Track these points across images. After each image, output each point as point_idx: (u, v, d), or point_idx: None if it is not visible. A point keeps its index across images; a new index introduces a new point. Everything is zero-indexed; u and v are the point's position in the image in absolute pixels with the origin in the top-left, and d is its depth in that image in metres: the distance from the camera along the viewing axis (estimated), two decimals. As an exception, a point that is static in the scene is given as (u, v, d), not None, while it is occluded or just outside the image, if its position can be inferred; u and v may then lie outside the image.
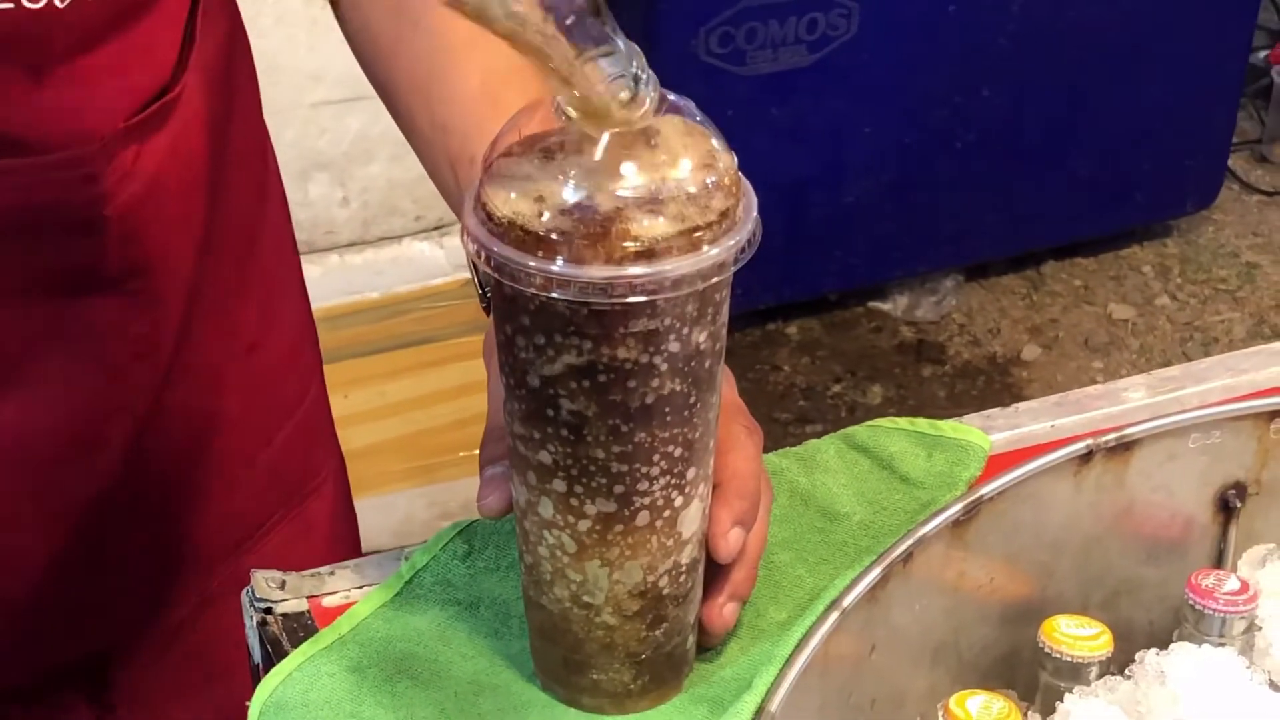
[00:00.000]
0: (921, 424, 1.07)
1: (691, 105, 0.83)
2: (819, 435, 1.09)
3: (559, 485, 0.83)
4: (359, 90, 1.36)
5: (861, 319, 3.17)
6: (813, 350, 3.09)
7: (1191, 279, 3.27)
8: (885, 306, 3.18)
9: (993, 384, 3.01)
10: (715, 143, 0.82)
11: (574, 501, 0.84)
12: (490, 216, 0.80)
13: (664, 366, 0.81)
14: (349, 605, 0.96)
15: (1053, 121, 3.09)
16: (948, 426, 1.07)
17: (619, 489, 0.83)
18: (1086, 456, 1.00)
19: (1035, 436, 1.08)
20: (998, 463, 1.04)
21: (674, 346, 0.80)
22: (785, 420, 2.90)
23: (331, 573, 0.98)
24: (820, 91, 2.88)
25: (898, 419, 1.08)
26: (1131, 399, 1.11)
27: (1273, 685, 0.97)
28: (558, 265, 0.78)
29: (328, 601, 0.97)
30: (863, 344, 3.12)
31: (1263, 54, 3.66)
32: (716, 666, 0.93)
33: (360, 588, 0.98)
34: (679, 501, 0.85)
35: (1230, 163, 3.44)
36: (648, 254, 0.78)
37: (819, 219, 3.01)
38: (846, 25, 2.85)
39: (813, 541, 1.00)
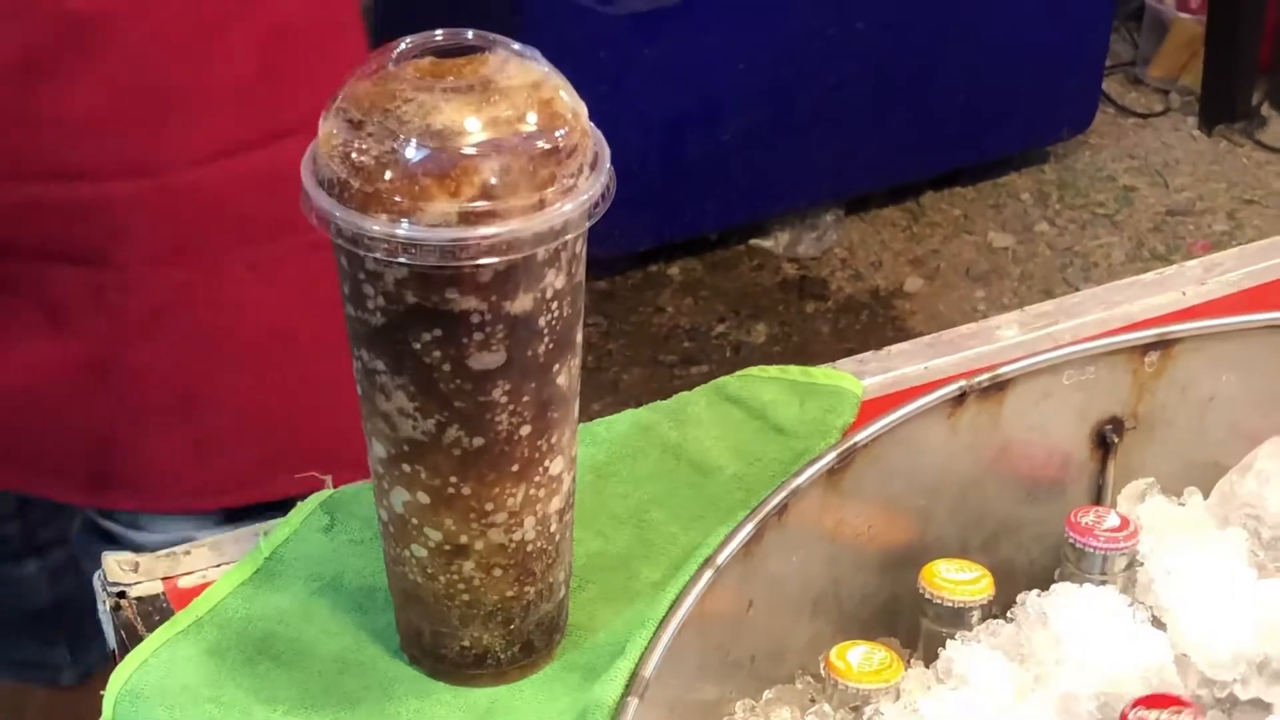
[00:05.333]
0: (793, 371, 1.05)
1: (538, 55, 0.79)
2: (705, 376, 1.07)
3: (415, 435, 0.81)
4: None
5: (743, 257, 3.15)
6: (695, 291, 3.07)
7: (1069, 204, 3.28)
8: (767, 244, 3.16)
9: (876, 317, 3.01)
10: (564, 95, 0.78)
11: (430, 454, 0.81)
12: (329, 178, 0.76)
13: (519, 316, 0.78)
14: (206, 585, 0.93)
15: (926, 51, 3.07)
16: (819, 373, 1.05)
17: (479, 440, 0.80)
18: (960, 398, 0.99)
19: (909, 379, 1.07)
20: (871, 408, 1.03)
21: (528, 301, 0.77)
22: (670, 362, 2.88)
23: (187, 552, 0.95)
24: (692, 29, 2.85)
25: (768, 367, 1.06)
26: (1004, 337, 1.09)
27: (1155, 621, 0.96)
28: (403, 229, 0.75)
29: (184, 582, 0.94)
30: (745, 282, 3.10)
31: (1134, -24, 3.68)
32: (590, 632, 0.91)
33: (217, 566, 0.94)
34: (543, 449, 0.82)
35: (1105, 86, 3.45)
36: (497, 213, 0.75)
37: (696, 158, 2.98)
38: (716, -40, 2.83)
39: (685, 497, 0.98)
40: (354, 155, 0.75)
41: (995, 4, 3.09)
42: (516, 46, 0.80)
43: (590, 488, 0.98)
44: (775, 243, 3.17)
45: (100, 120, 1.16)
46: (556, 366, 0.81)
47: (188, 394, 1.22)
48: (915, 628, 0.97)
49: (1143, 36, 3.61)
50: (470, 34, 0.79)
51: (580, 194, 0.77)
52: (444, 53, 0.79)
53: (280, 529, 0.96)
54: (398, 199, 0.74)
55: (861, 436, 0.96)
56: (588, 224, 0.78)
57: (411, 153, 0.75)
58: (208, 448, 1.22)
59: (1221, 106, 3.40)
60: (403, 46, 0.78)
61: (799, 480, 0.93)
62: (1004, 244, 3.17)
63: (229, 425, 1.22)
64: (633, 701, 0.82)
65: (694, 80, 2.91)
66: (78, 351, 1.22)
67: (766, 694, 0.95)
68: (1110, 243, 3.16)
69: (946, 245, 3.18)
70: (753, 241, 3.17)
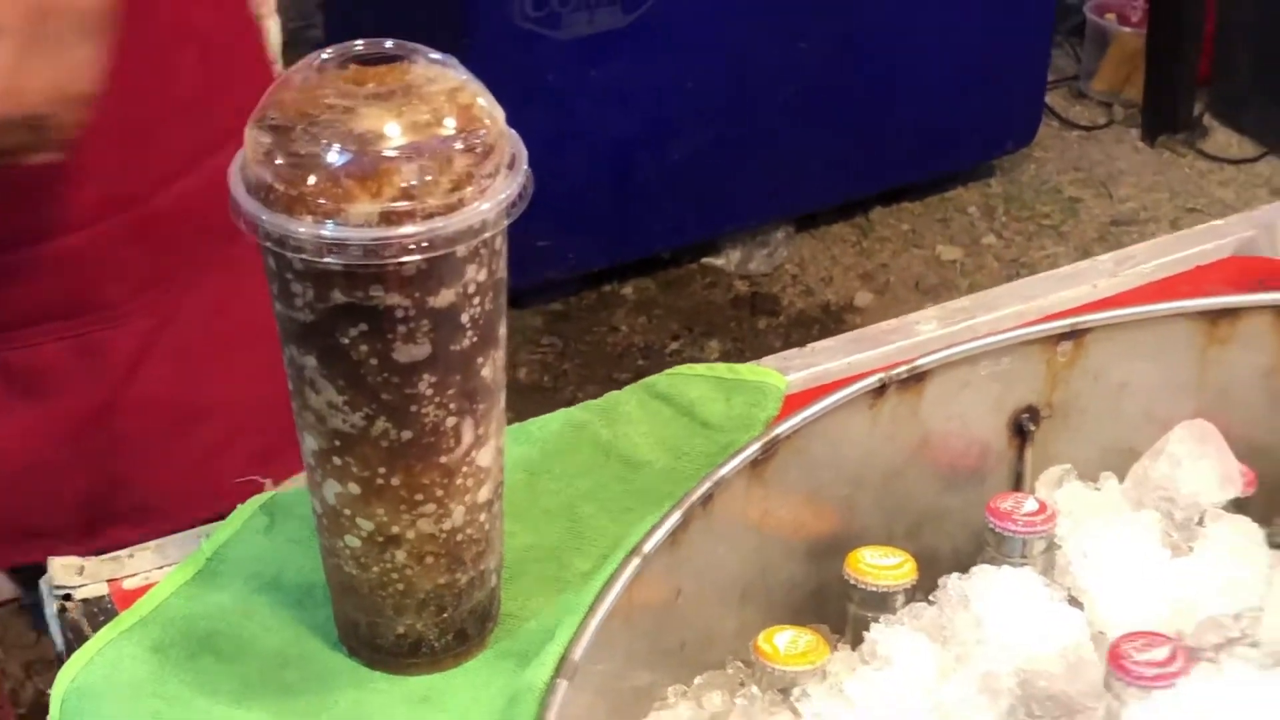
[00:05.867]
0: (720, 369, 1.08)
1: (456, 63, 0.83)
2: (660, 395, 1.09)
3: (344, 429, 0.84)
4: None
5: (696, 275, 3.19)
6: (649, 309, 3.11)
7: (1016, 216, 3.32)
8: (719, 262, 3.20)
9: (827, 331, 3.04)
10: (482, 100, 0.82)
11: (360, 446, 0.84)
12: (257, 183, 0.79)
13: (442, 310, 0.81)
14: (150, 587, 0.95)
15: (871, 69, 3.11)
16: (745, 370, 1.08)
17: (406, 433, 0.83)
18: (880, 390, 1.02)
19: (832, 374, 1.10)
20: (796, 402, 1.05)
21: (451, 296, 0.81)
22: (624, 380, 2.88)
23: (131, 555, 0.98)
24: (638, 51, 2.89)
25: (696, 365, 1.09)
26: (924, 331, 1.13)
27: (1073, 601, 0.99)
28: (328, 230, 0.78)
29: (128, 584, 0.96)
30: (698, 300, 3.13)
31: (1074, -8, 3.73)
32: (522, 620, 0.93)
33: (161, 568, 0.97)
34: (470, 440, 0.85)
35: (1049, 100, 3.50)
36: (417, 213, 0.78)
37: (647, 178, 3.02)
38: (660, -18, 2.86)
39: (615, 491, 1.01)
40: (279, 160, 0.78)
41: (937, 23, 3.13)
42: (435, 55, 0.83)
43: (523, 484, 1.01)
44: (727, 260, 3.20)
45: (82, 168, 1.14)
46: (480, 359, 0.84)
47: (188, 409, 1.22)
48: (843, 614, 0.99)
49: (1085, 51, 3.67)
50: (390, 43, 0.82)
51: (498, 193, 0.80)
52: (366, 61, 0.82)
53: (221, 530, 0.98)
54: (322, 201, 0.77)
55: (783, 428, 0.99)
56: (506, 222, 0.81)
57: (334, 157, 0.78)
58: (213, 455, 1.23)
59: (1163, 118, 3.45)
60: (326, 55, 0.81)
61: (723, 471, 0.96)
62: (952, 257, 3.21)
63: (231, 427, 1.24)
64: (562, 684, 0.85)
65: (642, 101, 2.95)
66: (63, 411, 1.20)
67: (697, 680, 0.98)
68: (1056, 253, 3.21)
69: (895, 259, 3.22)
70: (705, 260, 3.20)
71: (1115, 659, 0.88)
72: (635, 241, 3.10)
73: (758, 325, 3.07)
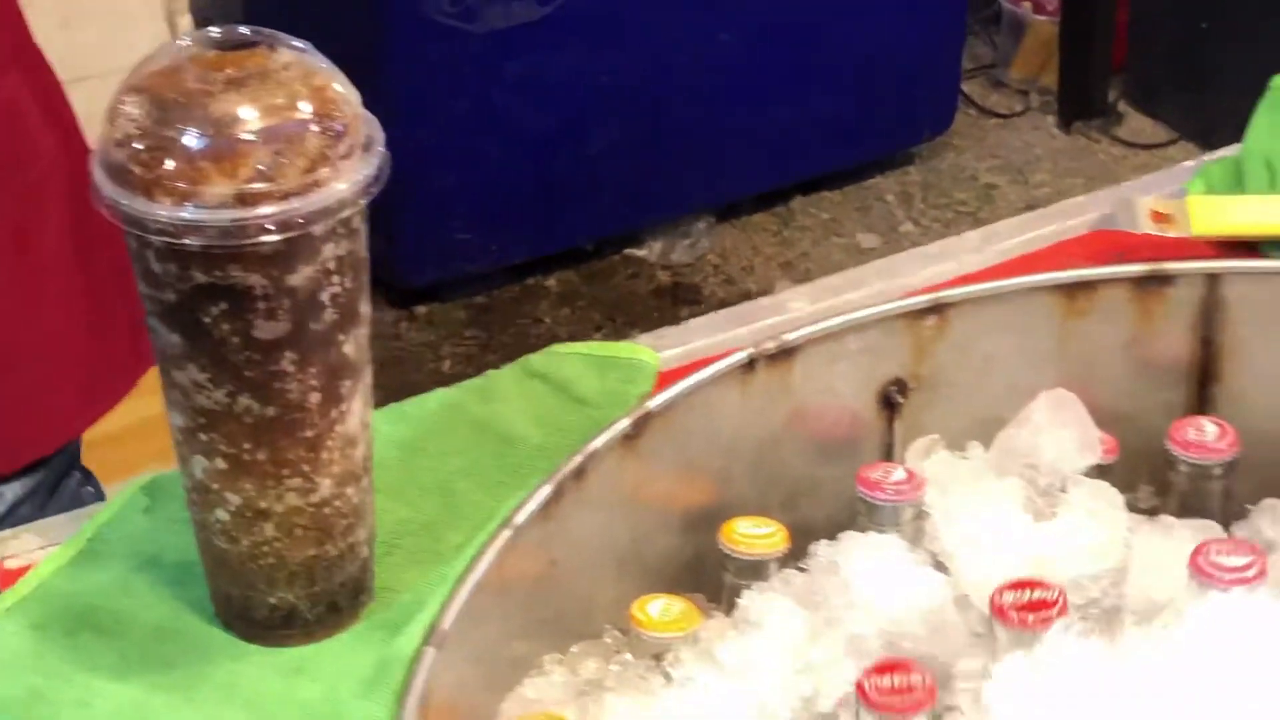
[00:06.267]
0: (595, 347, 1.11)
1: (312, 48, 0.85)
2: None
3: (209, 405, 0.86)
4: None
5: (619, 267, 3.21)
6: (573, 301, 3.13)
7: (934, 204, 3.36)
8: (641, 253, 3.22)
9: (748, 320, 3.07)
10: (337, 85, 0.84)
11: (225, 422, 0.86)
12: (116, 168, 0.81)
13: (301, 288, 0.83)
14: (31, 567, 0.97)
15: (787, 60, 3.14)
16: (620, 348, 1.11)
17: (270, 409, 0.85)
18: (749, 365, 1.04)
19: (705, 350, 1.12)
20: (670, 378, 1.08)
21: (309, 274, 0.83)
22: (548, 372, 2.92)
23: (15, 536, 1.00)
24: (555, 44, 2.91)
25: (573, 344, 1.11)
26: (795, 308, 1.16)
27: (939, 566, 1.02)
28: (187, 212, 0.80)
29: (10, 564, 0.98)
30: (621, 291, 3.16)
31: (988, -18, 3.77)
32: (396, 594, 0.96)
33: (43, 548, 0.99)
34: (334, 416, 0.87)
35: (967, 89, 3.53)
36: (273, 194, 0.80)
37: (568, 171, 3.03)
38: (575, -25, 2.88)
39: (491, 467, 1.03)
40: (137, 144, 0.81)
41: (854, 14, 3.17)
42: (296, 43, 0.86)
43: (399, 462, 1.03)
44: (649, 251, 3.23)
45: None
46: (342, 336, 0.86)
47: None
48: (719, 583, 1.02)
49: (1001, 39, 3.70)
50: (247, 30, 0.84)
51: (353, 174, 0.83)
52: (225, 47, 0.84)
53: (103, 511, 1.00)
54: (180, 184, 0.80)
55: (655, 403, 1.01)
56: (363, 202, 0.83)
57: (191, 140, 0.80)
58: (18, 404, 1.22)
59: (1078, 105, 3.49)
60: (185, 41, 0.84)
61: (595, 444, 0.99)
62: (870, 245, 3.25)
63: (35, 376, 1.24)
64: (429, 652, 0.87)
65: (561, 93, 2.97)
66: None
67: (573, 649, 1.00)
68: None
69: (816, 248, 3.25)
70: (627, 251, 3.22)
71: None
72: (557, 234, 3.12)
73: (680, 315, 3.09)
